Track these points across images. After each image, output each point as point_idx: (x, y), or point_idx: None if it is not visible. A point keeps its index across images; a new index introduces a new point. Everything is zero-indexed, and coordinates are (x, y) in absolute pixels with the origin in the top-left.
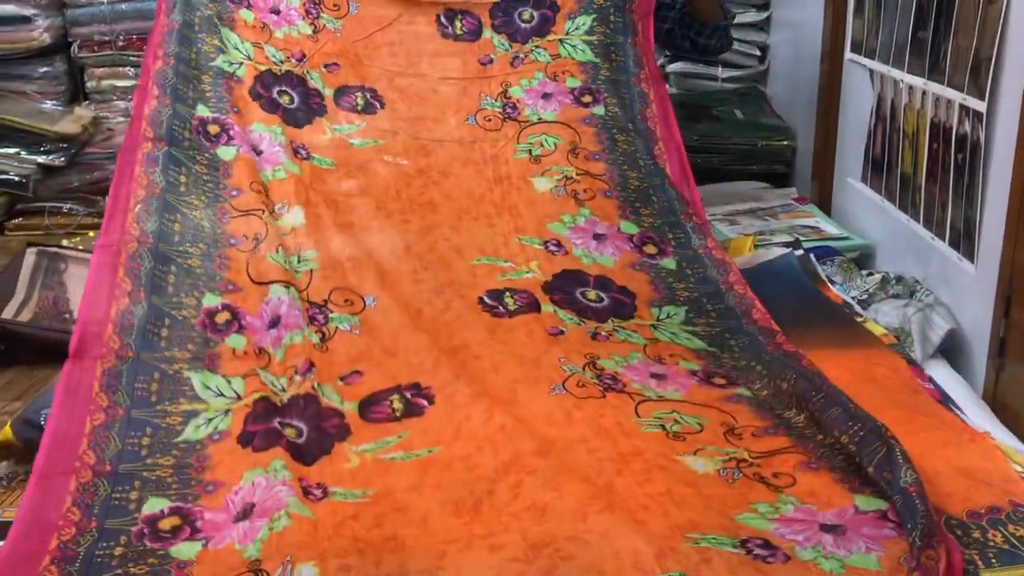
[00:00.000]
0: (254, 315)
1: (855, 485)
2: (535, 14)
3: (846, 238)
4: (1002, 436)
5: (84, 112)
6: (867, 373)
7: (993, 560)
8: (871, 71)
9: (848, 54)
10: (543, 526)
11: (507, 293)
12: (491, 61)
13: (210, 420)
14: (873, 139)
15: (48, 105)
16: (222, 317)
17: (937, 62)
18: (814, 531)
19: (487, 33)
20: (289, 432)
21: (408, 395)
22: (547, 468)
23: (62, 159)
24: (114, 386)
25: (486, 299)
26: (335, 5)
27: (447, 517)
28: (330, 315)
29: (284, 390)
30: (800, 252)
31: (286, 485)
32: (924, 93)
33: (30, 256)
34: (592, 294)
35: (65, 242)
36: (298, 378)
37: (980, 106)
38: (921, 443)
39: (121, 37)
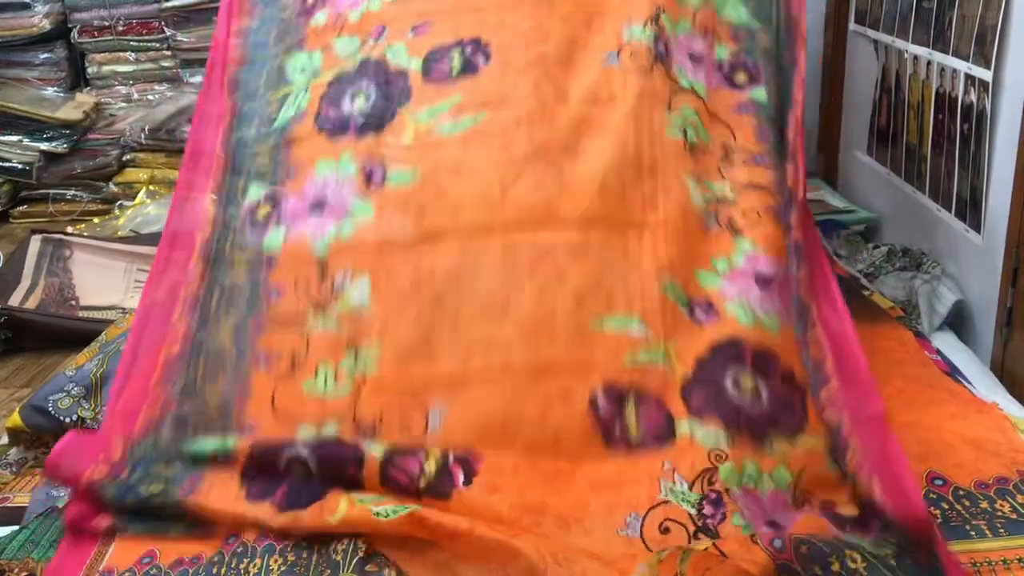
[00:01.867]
0: None
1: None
2: None
3: (852, 211)
4: (1010, 406)
5: (85, 98)
6: (874, 346)
7: (1001, 530)
8: (875, 42)
9: (852, 25)
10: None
11: (631, 399)
12: None
13: (295, 100)
14: (878, 111)
15: (49, 92)
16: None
17: (942, 31)
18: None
19: None
20: (359, 103)
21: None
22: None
23: (65, 145)
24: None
25: (600, 403)
26: None
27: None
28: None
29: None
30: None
31: (351, 183)
32: (929, 63)
33: (35, 243)
34: (747, 401)
35: (70, 229)
36: (371, 42)
37: (986, 75)
38: (929, 415)
39: (121, 22)
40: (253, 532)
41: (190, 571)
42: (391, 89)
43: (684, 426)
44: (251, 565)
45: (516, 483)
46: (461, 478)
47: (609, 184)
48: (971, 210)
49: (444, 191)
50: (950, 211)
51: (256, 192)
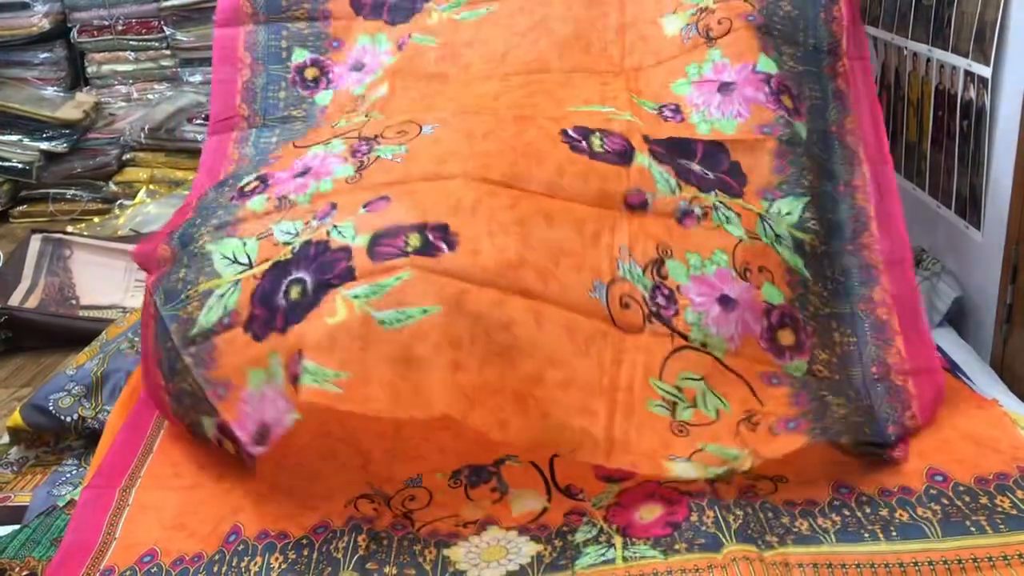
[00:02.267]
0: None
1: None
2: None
3: None
4: (1010, 403)
5: (85, 97)
6: None
7: (1001, 525)
8: (875, 39)
9: None
10: None
11: (598, 133)
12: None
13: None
14: None
15: (49, 91)
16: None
17: (941, 28)
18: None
19: None
20: None
21: (430, 236)
22: None
23: (64, 145)
24: None
25: (571, 132)
26: None
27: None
28: (376, 147)
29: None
30: None
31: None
32: (928, 60)
33: (35, 242)
34: (696, 168)
35: (70, 228)
36: (315, 223)
37: (985, 71)
38: None
39: (120, 21)
40: (254, 515)
41: (191, 569)
42: None
43: (642, 158)
44: (252, 563)
45: (494, 246)
46: (444, 246)
47: (592, 43)
48: (971, 207)
49: (459, 54)
50: (950, 208)
51: (301, 55)
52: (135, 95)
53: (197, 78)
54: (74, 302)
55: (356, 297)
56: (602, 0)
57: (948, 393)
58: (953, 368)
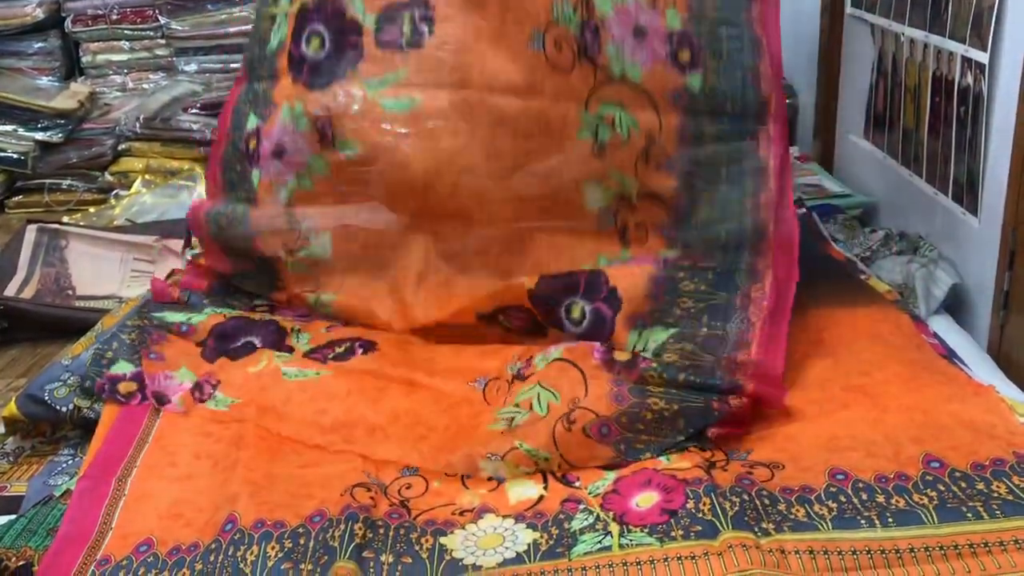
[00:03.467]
0: None
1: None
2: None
3: (848, 195)
4: (1006, 390)
5: (80, 87)
6: (871, 330)
7: (997, 511)
8: (872, 25)
9: (849, 8)
10: None
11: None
12: None
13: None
14: (875, 94)
15: (44, 81)
16: None
17: (938, 14)
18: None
19: None
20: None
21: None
22: None
23: (60, 135)
24: None
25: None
26: None
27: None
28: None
29: None
30: (803, 211)
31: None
32: (926, 46)
33: (30, 233)
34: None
35: (65, 219)
36: None
37: (982, 57)
38: (925, 398)
39: (115, 11)
40: (250, 504)
41: (187, 559)
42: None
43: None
44: (248, 552)
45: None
46: (426, 29)
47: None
48: (968, 193)
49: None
50: (947, 195)
51: (252, 122)
52: (130, 85)
53: (192, 67)
54: (70, 292)
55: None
56: (532, 128)
57: (945, 379)
58: (950, 355)
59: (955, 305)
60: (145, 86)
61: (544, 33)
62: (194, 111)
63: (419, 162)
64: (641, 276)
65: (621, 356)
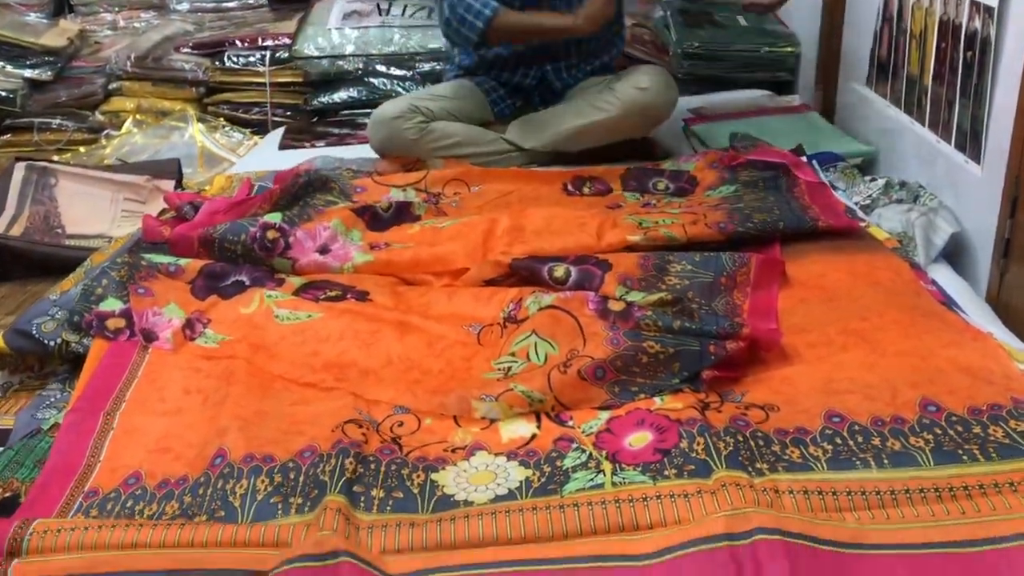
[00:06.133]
0: None
1: None
2: (671, 185)
3: (850, 144)
4: (1004, 337)
5: (69, 25)
6: (870, 276)
7: (993, 454)
8: None
9: None
10: None
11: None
12: (620, 206)
13: None
14: (879, 41)
15: (32, 17)
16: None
17: None
18: None
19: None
20: None
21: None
22: None
23: (49, 73)
24: None
25: None
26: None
27: None
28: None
29: None
30: (803, 159)
31: None
32: None
33: (19, 171)
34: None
35: (55, 158)
36: None
37: (991, 0)
38: (923, 344)
39: None
40: (240, 439)
41: (176, 492)
42: None
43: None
44: (237, 486)
45: None
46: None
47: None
48: (971, 141)
49: None
50: (949, 143)
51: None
52: (121, 23)
53: (184, 6)
54: (59, 231)
55: None
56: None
57: (943, 325)
58: (949, 302)
59: (954, 253)
60: (136, 25)
61: None
62: (186, 50)
63: None
64: (630, 255)
65: (615, 306)
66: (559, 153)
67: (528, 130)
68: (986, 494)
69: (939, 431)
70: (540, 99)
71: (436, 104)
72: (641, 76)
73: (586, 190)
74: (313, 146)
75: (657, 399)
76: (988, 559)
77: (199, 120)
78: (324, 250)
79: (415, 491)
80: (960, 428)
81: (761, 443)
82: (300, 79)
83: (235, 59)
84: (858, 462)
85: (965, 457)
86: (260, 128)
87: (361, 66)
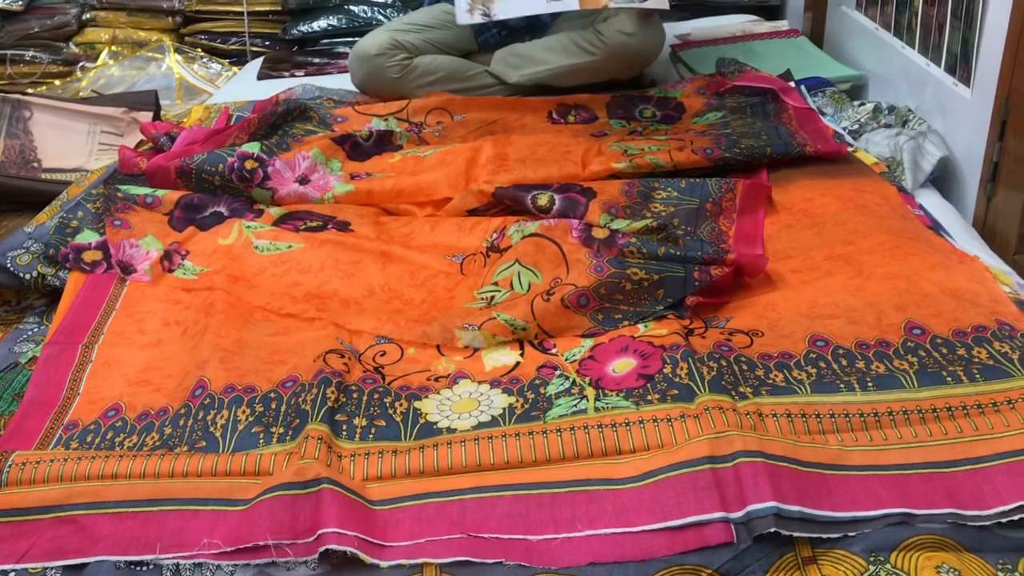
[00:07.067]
0: None
1: None
2: (658, 112)
3: (838, 68)
4: (990, 261)
5: None
6: (856, 200)
7: (977, 375)
8: None
9: None
10: None
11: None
12: (605, 134)
13: None
14: None
15: None
16: None
17: None
18: None
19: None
20: None
21: None
22: None
23: (20, 3)
24: None
25: None
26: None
27: None
28: None
29: None
30: (791, 83)
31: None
32: None
33: None
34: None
35: (30, 91)
36: None
37: None
38: (910, 266)
39: None
40: (220, 370)
41: (156, 423)
42: None
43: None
44: (218, 416)
45: None
46: None
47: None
48: (961, 64)
49: None
50: (939, 65)
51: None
52: None
53: None
54: (36, 165)
55: None
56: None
57: (930, 248)
58: (935, 227)
59: (942, 178)
60: None
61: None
62: None
63: None
64: (615, 182)
65: (599, 233)
66: (543, 87)
67: (513, 63)
68: (969, 415)
69: (923, 353)
70: (526, 27)
71: (419, 36)
72: (627, 20)
73: (571, 118)
74: (292, 76)
75: (641, 326)
76: (967, 479)
77: (176, 51)
78: (304, 180)
79: (398, 419)
80: (945, 350)
81: (745, 367)
82: (279, 7)
83: None
84: (842, 385)
85: (949, 379)
86: (238, 59)
87: None
